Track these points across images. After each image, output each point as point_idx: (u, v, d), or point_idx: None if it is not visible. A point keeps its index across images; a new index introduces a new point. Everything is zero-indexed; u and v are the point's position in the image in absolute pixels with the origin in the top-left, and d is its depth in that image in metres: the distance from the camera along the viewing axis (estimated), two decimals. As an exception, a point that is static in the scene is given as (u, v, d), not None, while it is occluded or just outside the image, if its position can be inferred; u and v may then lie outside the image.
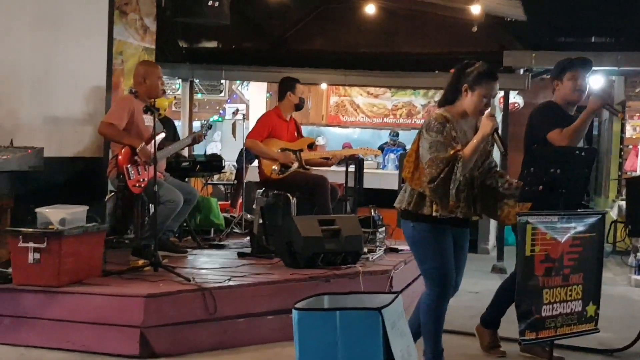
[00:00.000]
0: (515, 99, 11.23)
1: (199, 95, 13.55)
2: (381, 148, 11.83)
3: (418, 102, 13.00)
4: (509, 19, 9.09)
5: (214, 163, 7.74)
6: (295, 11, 10.03)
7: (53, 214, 4.85)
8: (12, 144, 5.48)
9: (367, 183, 8.30)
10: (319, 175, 6.78)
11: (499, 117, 7.20)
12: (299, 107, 6.91)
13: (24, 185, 5.47)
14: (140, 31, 8.34)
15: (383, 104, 13.14)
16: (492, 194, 4.19)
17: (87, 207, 5.12)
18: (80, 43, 6.60)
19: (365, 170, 8.25)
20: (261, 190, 6.78)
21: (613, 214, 9.41)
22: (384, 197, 6.64)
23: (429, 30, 9.67)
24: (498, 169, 4.30)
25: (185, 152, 8.12)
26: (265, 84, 12.53)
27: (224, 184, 10.76)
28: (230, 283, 5.07)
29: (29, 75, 6.09)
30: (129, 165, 5.71)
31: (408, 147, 4.24)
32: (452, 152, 3.91)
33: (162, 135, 6.02)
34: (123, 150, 5.72)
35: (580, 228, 4.46)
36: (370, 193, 8.14)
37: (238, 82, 13.53)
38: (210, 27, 9.36)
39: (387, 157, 11.65)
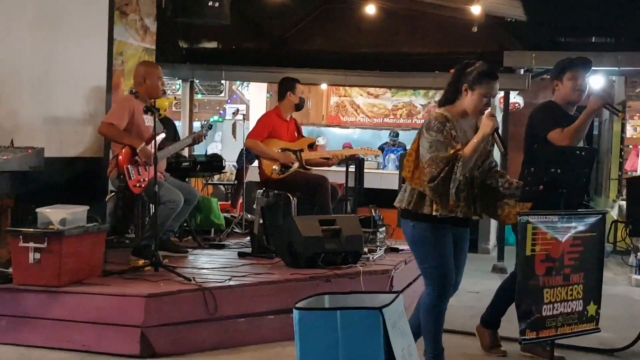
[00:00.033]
0: (516, 99, 11.23)
1: (199, 96, 13.54)
2: (381, 148, 11.83)
3: (418, 102, 12.99)
4: (509, 19, 9.09)
5: (214, 163, 7.74)
6: (296, 11, 10.03)
7: (53, 214, 4.86)
8: (12, 144, 5.48)
9: (368, 183, 8.31)
10: (319, 175, 6.78)
11: (499, 117, 7.18)
12: (299, 107, 6.92)
13: (25, 185, 5.46)
14: (140, 31, 8.34)
15: (383, 104, 13.14)
16: (492, 193, 4.19)
17: (87, 207, 5.12)
18: (80, 43, 6.60)
19: (365, 170, 8.26)
20: (261, 190, 6.77)
21: (613, 213, 9.41)
22: (384, 197, 6.63)
23: (429, 31, 9.67)
24: (498, 169, 4.30)
25: (186, 153, 8.12)
26: (265, 84, 12.53)
27: (224, 184, 10.76)
28: (231, 283, 5.08)
29: (29, 75, 6.09)
30: (129, 166, 5.72)
31: (408, 147, 4.23)
32: (452, 151, 3.92)
33: (163, 135, 6.02)
34: (123, 150, 5.72)
35: (580, 228, 4.47)
36: (370, 193, 8.15)
37: (238, 82, 13.53)
38: (210, 27, 9.36)
39: (387, 157, 11.66)
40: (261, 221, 6.33)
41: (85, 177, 6.54)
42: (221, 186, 10.80)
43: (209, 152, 10.60)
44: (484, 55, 8.15)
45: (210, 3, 7.84)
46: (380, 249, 6.43)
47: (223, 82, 13.67)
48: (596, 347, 5.08)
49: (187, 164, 7.38)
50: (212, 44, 10.36)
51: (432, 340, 4.14)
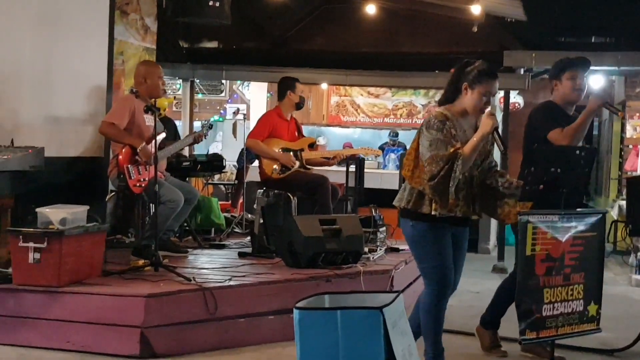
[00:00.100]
0: (516, 99, 11.24)
1: (199, 95, 13.55)
2: (381, 148, 11.83)
3: (418, 102, 12.99)
4: (509, 19, 9.09)
5: (214, 163, 7.74)
6: (296, 11, 10.03)
7: (54, 214, 4.85)
8: (12, 144, 5.48)
9: (368, 183, 8.32)
10: (319, 175, 6.78)
11: (499, 116, 7.19)
12: (299, 106, 6.92)
13: (25, 185, 5.46)
14: (141, 31, 8.34)
15: (384, 103, 13.14)
16: (492, 193, 4.18)
17: (87, 207, 5.11)
18: (81, 43, 6.60)
19: (365, 170, 8.27)
20: (262, 190, 6.78)
21: (613, 213, 9.41)
22: (384, 197, 6.62)
23: (430, 30, 9.67)
24: (498, 169, 4.30)
25: (186, 152, 8.12)
26: (266, 84, 12.53)
27: (224, 184, 10.77)
28: (231, 283, 5.07)
29: (29, 75, 6.09)
30: (129, 165, 5.71)
31: (408, 146, 4.23)
32: (452, 149, 3.92)
33: (163, 135, 6.02)
34: (124, 150, 5.72)
35: (581, 227, 4.47)
36: (370, 193, 8.15)
37: (239, 82, 13.54)
38: (211, 27, 9.36)
39: (387, 156, 11.67)
40: (261, 221, 6.33)
41: (86, 176, 6.55)
42: (221, 186, 10.81)
43: (211, 152, 10.58)
44: (484, 55, 8.13)
45: (210, 3, 7.83)
46: (380, 249, 6.43)
47: (223, 81, 13.69)
48: (596, 348, 5.07)
49: (188, 163, 7.38)
50: (213, 44, 10.36)
51: (432, 340, 4.14)
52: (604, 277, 4.76)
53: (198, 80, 12.28)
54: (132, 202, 6.23)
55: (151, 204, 6.06)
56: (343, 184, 7.88)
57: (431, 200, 3.99)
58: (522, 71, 9.07)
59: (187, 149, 7.76)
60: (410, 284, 6.28)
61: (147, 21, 8.44)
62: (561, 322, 4.43)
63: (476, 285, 7.22)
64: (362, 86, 12.43)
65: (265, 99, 12.94)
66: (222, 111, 14.11)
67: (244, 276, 5.30)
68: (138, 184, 5.73)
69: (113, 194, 6.39)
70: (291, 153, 6.72)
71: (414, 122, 12.84)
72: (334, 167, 7.65)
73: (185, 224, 6.79)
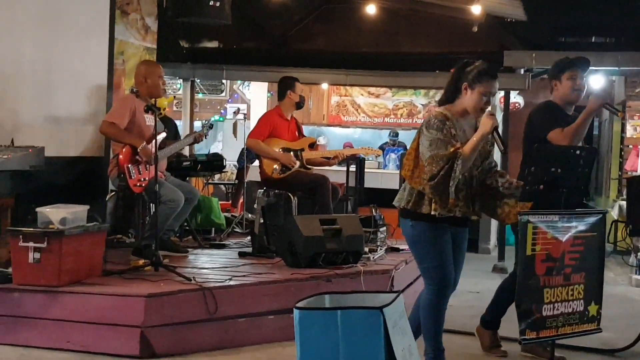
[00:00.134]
0: (516, 99, 11.23)
1: (200, 95, 13.55)
2: (382, 148, 11.83)
3: (419, 102, 12.99)
4: (509, 19, 9.09)
5: (214, 163, 7.74)
6: (297, 11, 10.02)
7: (54, 214, 4.85)
8: (12, 144, 5.48)
9: (368, 183, 8.31)
10: (320, 174, 6.78)
11: (499, 116, 7.19)
12: (299, 105, 6.92)
13: (25, 184, 5.46)
14: (141, 31, 8.34)
15: (384, 103, 13.14)
16: (492, 193, 4.18)
17: (87, 207, 5.11)
18: (81, 43, 6.60)
19: (366, 170, 8.27)
20: (262, 190, 6.78)
21: (614, 213, 9.40)
22: (384, 197, 6.62)
23: (430, 30, 9.66)
24: (498, 169, 4.30)
25: (187, 152, 8.12)
26: (266, 84, 12.53)
27: (225, 184, 10.78)
28: (231, 283, 5.07)
29: (29, 74, 6.09)
30: (130, 165, 5.71)
31: (408, 146, 4.24)
32: (452, 149, 3.92)
33: (163, 134, 6.02)
34: (124, 149, 5.72)
35: (581, 227, 4.47)
36: (371, 193, 8.15)
37: (239, 81, 13.53)
38: (211, 27, 9.36)
39: (387, 156, 11.66)
40: (262, 221, 6.33)
41: (86, 176, 6.55)
42: (222, 186, 10.82)
43: (212, 152, 10.59)
44: (484, 55, 8.14)
45: (211, 3, 7.82)
46: (380, 249, 6.43)
47: (224, 81, 13.69)
48: (596, 348, 5.07)
49: (188, 163, 7.38)
50: (213, 44, 10.36)
51: (432, 339, 4.14)
52: (604, 277, 4.76)
53: (198, 80, 12.27)
54: (132, 201, 6.23)
55: (151, 204, 6.06)
56: (343, 184, 7.88)
57: (431, 200, 3.99)
58: (522, 71, 9.06)
59: (187, 148, 7.76)
60: (411, 284, 6.28)
61: (147, 21, 8.44)
62: (561, 322, 4.43)
63: (476, 285, 7.22)
64: (363, 86, 12.42)
65: (266, 99, 12.94)
66: (222, 111, 14.11)
67: (244, 276, 5.30)
68: (138, 184, 5.73)
69: (113, 193, 6.39)
70: (291, 153, 6.72)
71: (414, 122, 12.83)
72: (334, 167, 7.65)
73: (186, 224, 6.79)
